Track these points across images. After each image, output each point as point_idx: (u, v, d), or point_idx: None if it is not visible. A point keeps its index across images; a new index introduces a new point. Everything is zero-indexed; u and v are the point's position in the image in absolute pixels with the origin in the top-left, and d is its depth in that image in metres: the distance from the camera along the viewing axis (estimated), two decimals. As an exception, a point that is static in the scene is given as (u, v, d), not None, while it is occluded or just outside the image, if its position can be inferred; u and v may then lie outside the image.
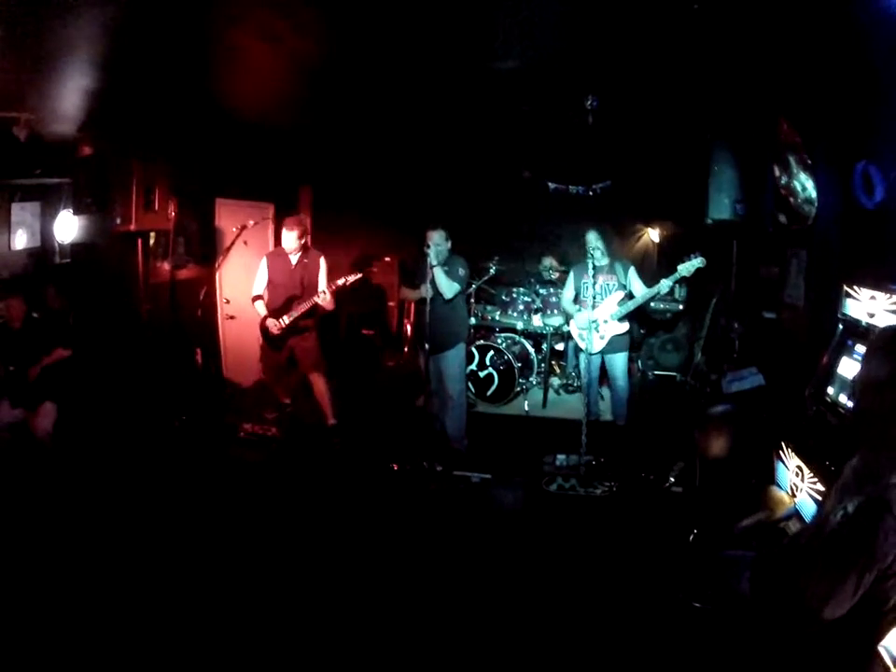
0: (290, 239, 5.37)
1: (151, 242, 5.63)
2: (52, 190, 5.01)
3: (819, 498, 2.99)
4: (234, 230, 5.40)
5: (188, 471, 4.83)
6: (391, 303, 8.78)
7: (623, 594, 3.53)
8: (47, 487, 4.27)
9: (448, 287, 4.98)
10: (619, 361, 5.51)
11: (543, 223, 8.11)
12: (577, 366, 7.15)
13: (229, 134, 5.93)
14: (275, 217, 7.56)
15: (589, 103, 5.32)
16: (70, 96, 4.36)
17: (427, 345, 4.91)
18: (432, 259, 4.83)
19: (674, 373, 7.53)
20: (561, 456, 5.26)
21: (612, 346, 5.43)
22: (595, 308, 5.34)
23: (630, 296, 5.40)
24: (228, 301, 6.92)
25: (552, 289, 7.08)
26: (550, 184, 8.02)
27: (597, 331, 5.34)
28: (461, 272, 5.10)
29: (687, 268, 5.09)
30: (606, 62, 4.55)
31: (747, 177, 5.11)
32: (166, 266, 5.90)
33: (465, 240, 7.70)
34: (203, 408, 5.87)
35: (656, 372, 7.67)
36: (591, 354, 5.30)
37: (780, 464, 3.46)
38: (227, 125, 5.70)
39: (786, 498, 3.33)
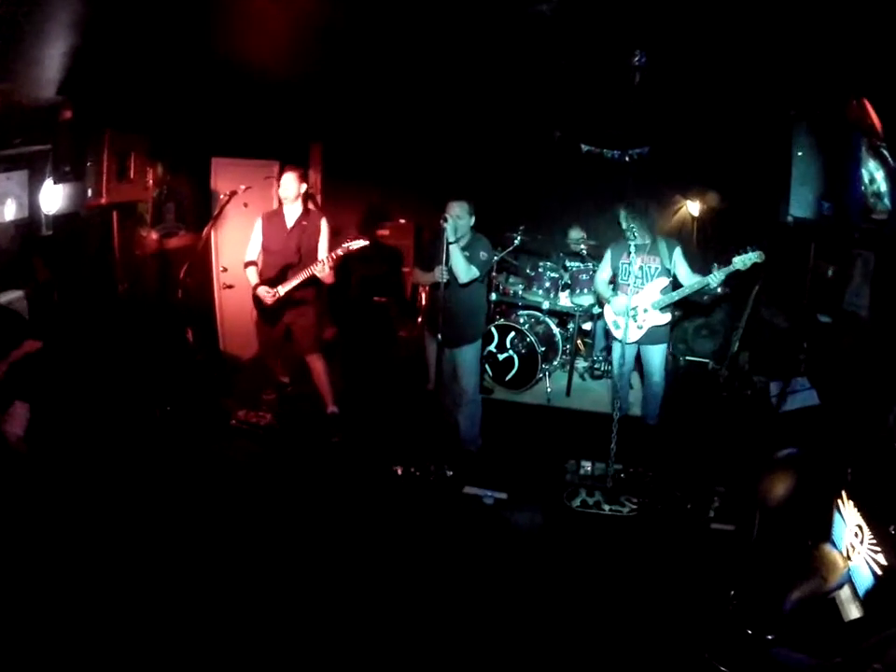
0: (289, 184, 4.76)
1: (139, 210, 5.03)
2: (39, 158, 4.44)
3: (880, 572, 2.51)
4: (222, 196, 4.74)
5: (168, 472, 4.36)
6: (406, 269, 8.16)
7: (644, 644, 3.09)
8: (23, 497, 3.81)
9: (465, 271, 4.29)
10: (657, 355, 4.89)
11: (573, 190, 7.35)
12: (605, 348, 6.56)
13: (225, 87, 5.29)
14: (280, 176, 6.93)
15: (637, 59, 4.60)
16: (45, 58, 3.91)
17: (439, 336, 4.30)
18: (449, 235, 4.15)
19: (706, 360, 6.85)
20: (586, 464, 4.72)
21: (650, 337, 4.80)
22: (635, 294, 4.70)
23: (675, 282, 4.73)
24: (225, 270, 6.36)
25: (582, 264, 6.38)
26: (583, 146, 7.24)
27: (635, 320, 4.70)
28: (483, 255, 4.40)
29: (743, 261, 4.40)
30: (659, 10, 3.81)
31: (832, 167, 4.30)
32: (154, 236, 5.30)
33: (489, 206, 7.17)
34: (194, 392, 5.37)
35: (688, 358, 7.01)
36: (626, 344, 4.69)
37: (838, 516, 3.02)
38: (223, 76, 5.09)
39: (839, 561, 2.92)
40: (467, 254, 4.32)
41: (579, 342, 6.76)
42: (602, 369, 6.54)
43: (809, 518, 3.23)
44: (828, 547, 3.04)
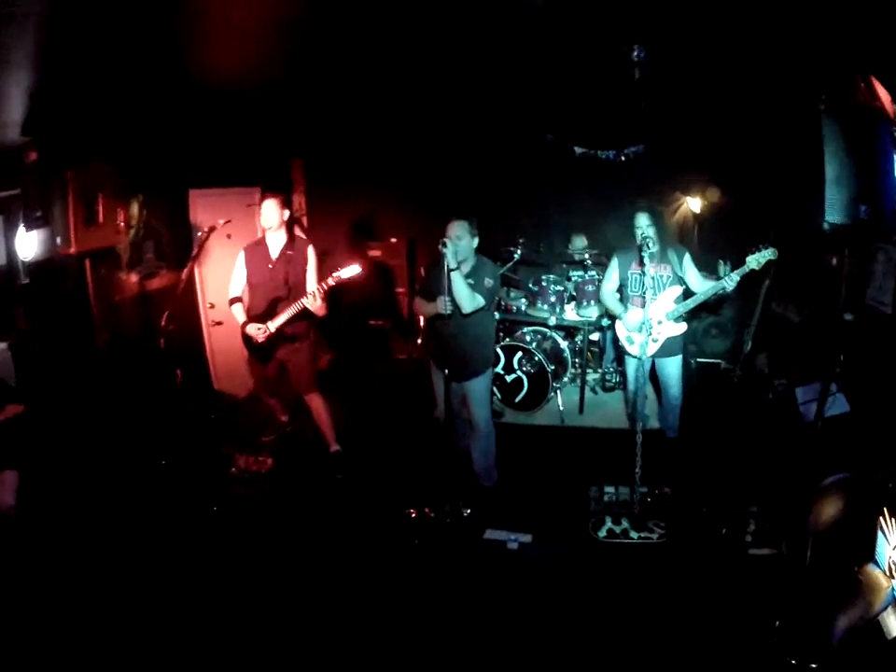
0: (270, 212, 4.45)
1: (116, 251, 4.73)
2: (12, 203, 4.15)
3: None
4: (200, 233, 4.43)
5: (167, 529, 4.06)
6: (400, 289, 7.87)
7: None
8: (17, 565, 3.52)
9: (469, 300, 3.91)
10: (673, 366, 4.60)
11: (571, 196, 7.06)
12: (615, 359, 6.27)
13: (196, 110, 5.00)
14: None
15: (635, 54, 4.31)
16: (6, 97, 3.69)
17: (445, 371, 4.00)
18: (450, 261, 3.79)
19: (718, 361, 6.55)
20: (609, 489, 4.42)
21: (665, 349, 4.51)
22: (647, 306, 4.42)
23: (686, 290, 4.46)
24: (212, 306, 6.06)
25: (586, 274, 6.08)
26: (576, 148, 6.97)
27: (650, 333, 4.40)
28: (488, 281, 4.02)
29: (757, 260, 4.11)
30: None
31: (865, 164, 3.93)
32: (133, 278, 5.00)
33: (484, 219, 6.89)
34: (190, 440, 5.06)
35: (699, 360, 6.73)
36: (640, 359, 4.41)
37: (881, 534, 2.82)
38: (192, 99, 4.78)
39: (883, 581, 2.74)
40: (470, 281, 3.97)
41: (589, 354, 6.47)
42: (613, 380, 6.25)
43: (856, 541, 2.97)
44: (871, 567, 2.84)
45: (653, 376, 4.77)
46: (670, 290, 4.42)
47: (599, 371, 6.50)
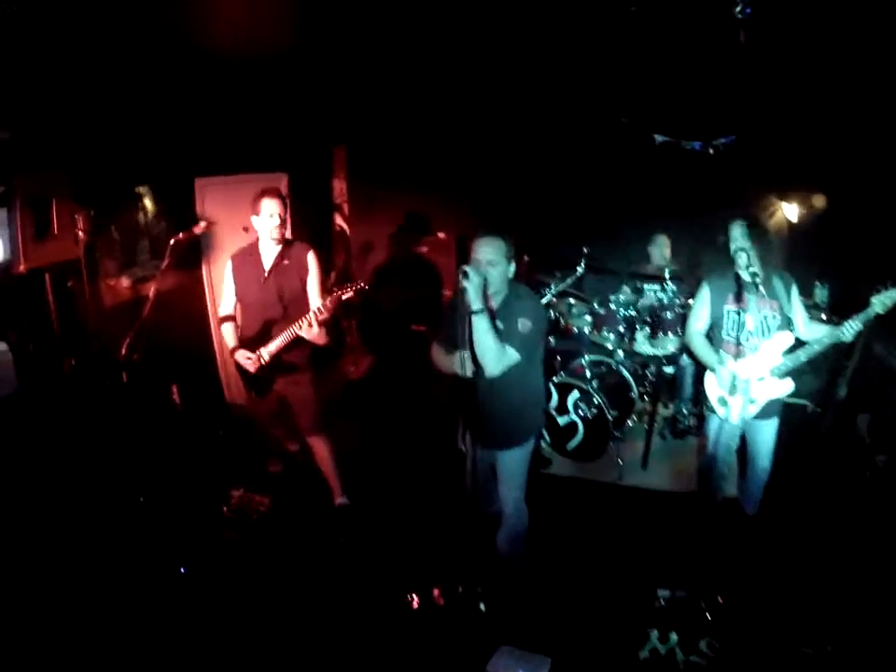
0: (269, 210, 3.58)
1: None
2: None
3: None
4: (172, 241, 3.57)
5: (143, 581, 3.39)
6: (447, 292, 7.00)
7: None
8: None
9: (495, 356, 2.81)
10: (768, 432, 3.56)
11: (646, 195, 5.91)
12: (693, 398, 5.18)
13: (207, 86, 4.22)
14: (290, 191, 5.86)
15: (739, 9, 3.34)
16: None
17: (470, 437, 3.05)
18: (472, 300, 2.71)
19: (804, 402, 5.30)
20: (663, 592, 3.40)
21: (763, 411, 3.46)
22: (746, 356, 3.37)
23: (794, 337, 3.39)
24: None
25: (664, 295, 4.98)
26: (656, 136, 5.83)
27: (747, 393, 3.33)
28: (524, 324, 2.87)
29: (884, 302, 3.11)
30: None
31: None
32: (125, 282, 4.29)
33: (543, 221, 5.82)
34: (183, 468, 4.39)
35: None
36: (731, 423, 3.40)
37: None
38: (201, 71, 4.02)
39: None
40: (500, 325, 2.88)
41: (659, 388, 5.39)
42: (687, 423, 5.17)
43: None
44: None
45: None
46: (778, 337, 3.36)
47: (670, 406, 5.43)
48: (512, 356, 2.86)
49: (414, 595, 3.36)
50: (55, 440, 3.81)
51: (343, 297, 3.40)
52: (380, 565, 3.68)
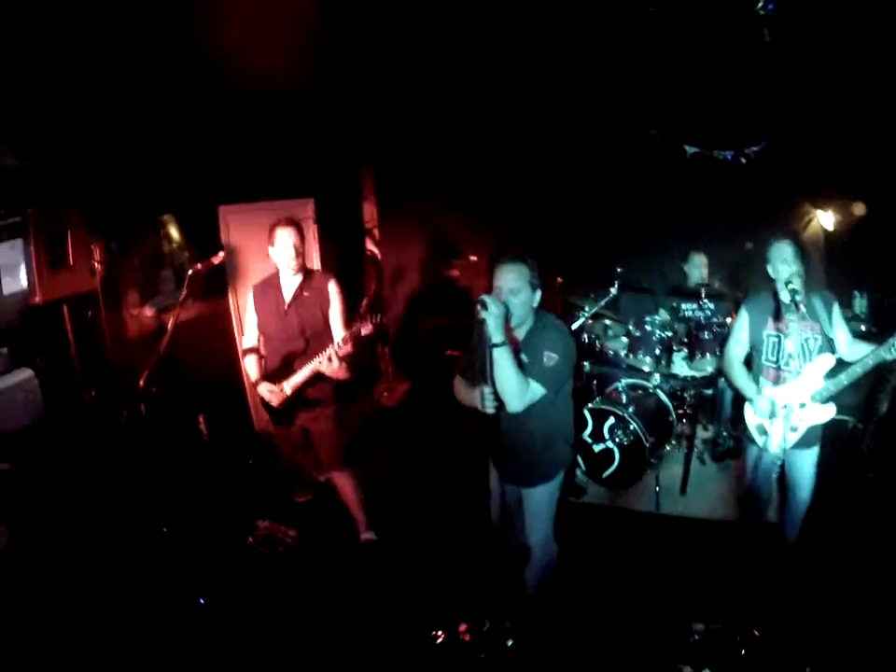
0: (284, 241, 3.49)
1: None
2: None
3: None
4: (189, 272, 3.49)
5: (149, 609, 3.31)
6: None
7: None
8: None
9: (517, 392, 2.61)
10: (808, 461, 3.32)
11: (678, 209, 5.72)
12: (733, 419, 4.94)
13: (230, 114, 4.24)
14: (317, 216, 5.87)
15: (761, 5, 3.23)
16: None
17: (496, 471, 2.93)
18: (492, 333, 2.53)
19: (847, 418, 4.88)
20: (698, 626, 3.18)
21: (803, 440, 3.23)
22: (787, 381, 3.17)
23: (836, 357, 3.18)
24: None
25: (701, 314, 4.76)
26: (687, 147, 5.65)
27: (788, 420, 3.12)
28: (550, 357, 2.67)
29: None
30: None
31: None
32: (149, 312, 4.31)
33: (575, 239, 5.60)
34: (209, 498, 4.36)
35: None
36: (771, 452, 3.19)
37: None
38: (225, 100, 4.05)
39: None
40: (525, 358, 2.70)
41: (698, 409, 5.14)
42: (727, 445, 4.92)
43: None
44: None
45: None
46: (820, 360, 3.15)
47: (710, 428, 5.19)
48: (537, 391, 2.67)
49: (440, 632, 3.23)
50: (78, 468, 3.81)
51: (363, 332, 3.33)
52: (406, 599, 3.56)
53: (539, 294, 2.77)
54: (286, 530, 4.19)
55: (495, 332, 2.53)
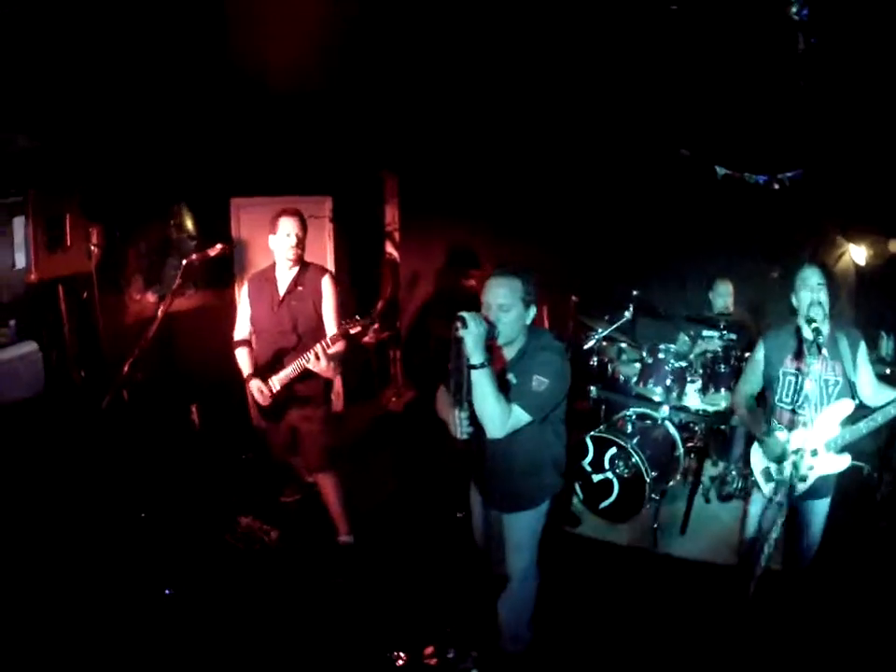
0: (287, 229, 3.40)
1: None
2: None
3: None
4: (184, 262, 3.41)
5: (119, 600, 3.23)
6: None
7: None
8: None
9: (497, 417, 2.40)
10: (818, 512, 3.07)
11: (707, 231, 5.51)
12: (744, 459, 4.68)
13: (248, 107, 4.21)
14: (334, 215, 5.81)
15: (795, 10, 3.10)
16: None
17: (477, 494, 2.78)
18: (471, 352, 2.32)
19: (862, 464, 4.60)
20: None
21: (814, 489, 2.99)
22: (800, 426, 2.95)
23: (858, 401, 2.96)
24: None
25: (719, 345, 4.55)
26: (718, 169, 5.44)
27: (798, 469, 2.90)
28: (539, 381, 2.44)
29: None
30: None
31: None
32: (151, 298, 4.26)
33: (592, 257, 5.42)
34: (194, 489, 4.29)
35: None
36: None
37: None
38: (244, 93, 4.02)
39: None
40: (512, 379, 2.49)
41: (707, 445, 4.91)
42: (735, 485, 4.67)
43: None
44: None
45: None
46: (838, 405, 2.92)
47: (720, 464, 4.95)
48: (521, 417, 2.44)
49: (402, 654, 3.06)
50: (66, 447, 3.77)
51: (351, 331, 3.23)
52: (375, 613, 3.41)
53: (532, 311, 2.57)
54: (267, 529, 4.10)
55: (474, 352, 2.33)
